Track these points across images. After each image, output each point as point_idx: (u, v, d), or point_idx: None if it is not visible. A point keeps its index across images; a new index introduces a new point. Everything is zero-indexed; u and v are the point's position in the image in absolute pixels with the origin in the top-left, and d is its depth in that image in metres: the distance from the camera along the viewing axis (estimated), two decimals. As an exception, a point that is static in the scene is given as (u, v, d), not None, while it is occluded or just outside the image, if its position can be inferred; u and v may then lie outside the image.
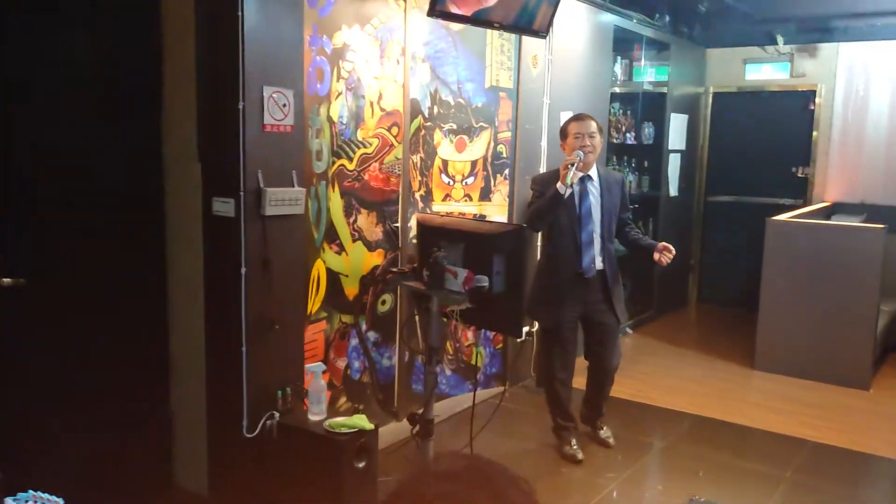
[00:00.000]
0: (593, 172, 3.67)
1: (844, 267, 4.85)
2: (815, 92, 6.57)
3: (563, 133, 3.70)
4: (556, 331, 3.67)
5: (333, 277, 3.48)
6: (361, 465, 2.80)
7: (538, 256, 3.95)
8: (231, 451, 3.02)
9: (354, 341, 3.69)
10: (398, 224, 3.82)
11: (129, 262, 3.07)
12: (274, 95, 2.89)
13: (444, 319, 2.81)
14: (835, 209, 6.46)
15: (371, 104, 3.59)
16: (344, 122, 3.45)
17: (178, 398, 3.22)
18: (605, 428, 3.91)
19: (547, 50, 4.60)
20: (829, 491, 3.44)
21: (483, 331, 4.52)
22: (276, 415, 2.98)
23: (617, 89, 6.34)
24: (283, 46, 2.93)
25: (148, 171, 3.07)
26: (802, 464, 3.69)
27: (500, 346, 4.61)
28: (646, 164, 6.42)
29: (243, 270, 2.87)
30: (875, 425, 4.27)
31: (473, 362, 3.94)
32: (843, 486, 3.51)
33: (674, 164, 6.55)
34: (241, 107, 2.78)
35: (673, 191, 6.59)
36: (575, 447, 3.70)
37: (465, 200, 4.28)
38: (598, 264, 3.63)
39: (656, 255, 3.61)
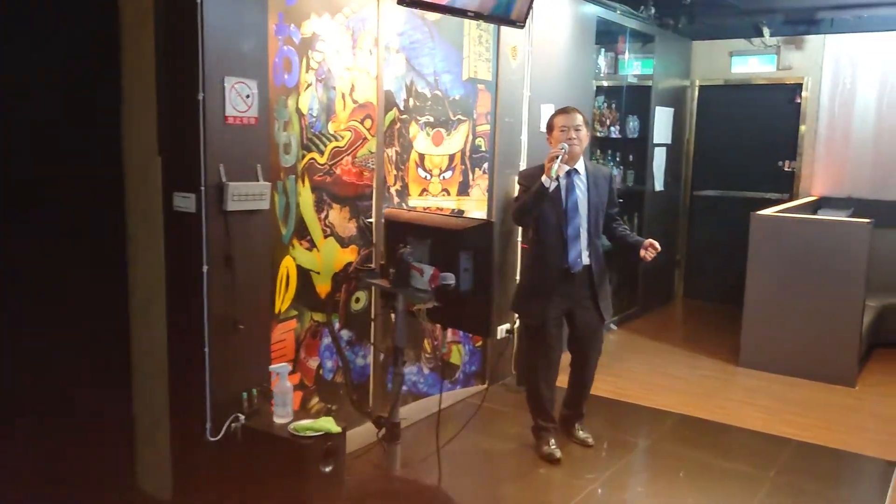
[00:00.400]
0: (580, 166, 3.59)
1: (830, 262, 4.77)
2: (801, 85, 6.49)
3: (550, 126, 3.62)
4: (542, 328, 3.59)
5: (304, 275, 3.37)
6: (328, 469, 2.70)
7: (518, 253, 3.85)
8: (195, 454, 2.91)
9: (327, 340, 3.58)
10: (372, 220, 3.71)
11: (87, 260, 2.96)
12: (236, 86, 2.78)
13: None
14: (822, 203, 6.39)
15: (343, 96, 3.48)
16: (314, 114, 3.34)
17: (140, 400, 3.11)
18: (584, 429, 3.82)
19: (527, 41, 4.50)
20: (812, 491, 3.36)
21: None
22: (241, 417, 2.88)
23: (602, 82, 6.25)
24: (246, 35, 2.82)
25: (107, 165, 2.96)
26: (786, 463, 3.61)
27: (480, 343, 4.51)
28: (631, 158, 6.33)
29: (205, 268, 2.76)
30: (860, 423, 4.20)
31: (441, 360, 3.84)
32: (827, 485, 3.44)
33: (659, 158, 6.46)
34: (200, 98, 2.67)
35: (658, 185, 6.50)
36: (553, 446, 3.62)
37: (443, 195, 4.18)
38: (585, 259, 3.56)
39: (642, 252, 3.56)
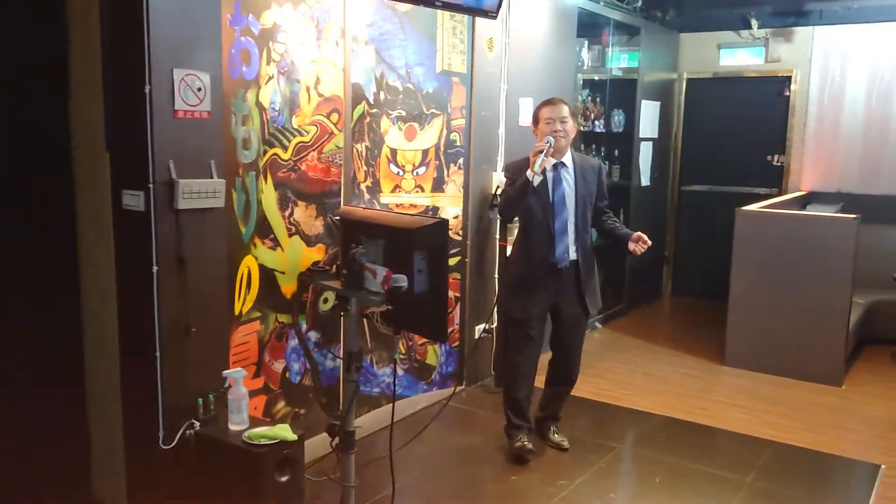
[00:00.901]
0: (567, 158, 3.51)
1: (816, 259, 4.66)
2: (790, 78, 6.38)
3: (535, 118, 3.52)
4: (525, 322, 3.52)
5: (268, 275, 3.25)
6: (284, 479, 2.59)
7: (497, 250, 3.76)
8: (148, 463, 2.80)
9: (294, 342, 3.47)
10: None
11: (38, 261, 2.84)
12: (186, 78, 2.66)
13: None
14: (811, 198, 6.29)
15: (308, 89, 3.36)
16: (276, 108, 3.22)
17: (94, 405, 2.99)
18: (559, 432, 3.73)
19: (504, 32, 4.37)
20: (790, 496, 3.25)
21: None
22: (196, 424, 2.76)
23: (586, 76, 6.13)
24: (197, 25, 2.69)
25: (57, 162, 2.84)
26: (765, 467, 3.51)
27: (457, 344, 4.40)
28: (616, 152, 6.21)
29: (155, 269, 2.64)
30: (844, 424, 4.10)
31: (395, 364, 3.74)
32: (807, 490, 3.32)
33: (645, 153, 6.35)
34: (147, 91, 2.55)
35: (645, 180, 6.39)
36: (525, 441, 3.53)
37: (417, 192, 4.06)
38: (572, 254, 3.49)
39: (631, 245, 3.45)
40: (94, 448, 3.02)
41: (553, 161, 3.42)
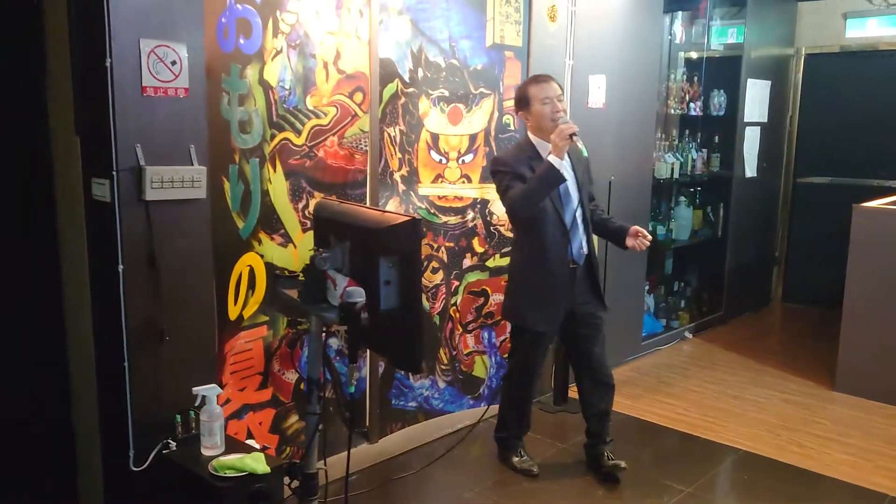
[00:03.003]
0: None
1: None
2: (933, 50, 5.39)
3: (524, 100, 3.09)
4: (548, 336, 3.18)
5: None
6: (255, 516, 2.21)
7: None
8: (122, 485, 2.50)
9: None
10: (366, 210, 3.19)
11: (17, 255, 2.60)
12: (157, 50, 2.31)
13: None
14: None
15: (325, 65, 2.96)
16: (286, 86, 2.84)
17: (79, 419, 2.73)
18: (612, 455, 3.19)
19: (569, 0, 3.81)
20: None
21: (489, 336, 3.85)
22: (173, 444, 2.44)
23: (682, 52, 5.41)
24: (171, -11, 2.34)
25: (34, 147, 2.58)
26: (874, 530, 2.81)
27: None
28: (716, 139, 5.46)
29: (120, 268, 2.32)
30: None
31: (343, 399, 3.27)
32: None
33: (751, 140, 5.55)
34: (108, 64, 2.22)
35: (750, 171, 5.59)
36: (526, 456, 3.29)
37: (463, 182, 3.59)
38: (585, 249, 3.11)
39: (629, 241, 3.10)
40: (80, 465, 2.76)
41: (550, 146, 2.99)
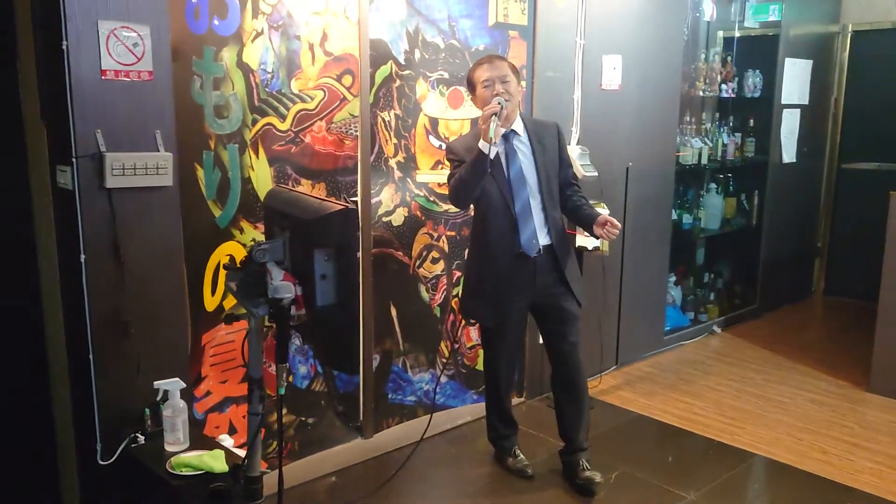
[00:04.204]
0: (517, 125, 2.91)
1: None
2: None
3: (470, 84, 2.93)
4: (499, 330, 2.98)
5: (260, 264, 2.80)
6: (214, 516, 2.13)
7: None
8: (92, 480, 2.45)
9: (298, 341, 3.01)
10: (358, 198, 3.07)
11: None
12: (118, 32, 2.22)
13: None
14: None
15: (311, 47, 2.84)
16: (269, 69, 2.73)
17: (57, 410, 2.69)
18: (589, 467, 2.96)
19: (580, -25, 3.61)
20: None
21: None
22: (141, 438, 2.37)
23: (721, 31, 5.12)
24: (131, -33, 2.25)
25: (9, 135, 2.53)
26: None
27: (515, 348, 3.74)
28: (751, 122, 5.16)
29: (83, 258, 2.26)
30: None
31: (275, 397, 3.13)
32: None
33: (790, 123, 5.23)
34: (64, 47, 2.14)
35: (788, 156, 5.28)
36: (520, 456, 3.13)
37: (465, 169, 3.43)
38: (543, 239, 2.87)
39: (597, 231, 2.86)
40: (59, 458, 2.72)
41: (503, 129, 2.81)
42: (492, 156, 2.69)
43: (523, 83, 3.52)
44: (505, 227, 2.86)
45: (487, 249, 2.91)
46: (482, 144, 2.68)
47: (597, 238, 2.94)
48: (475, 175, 2.73)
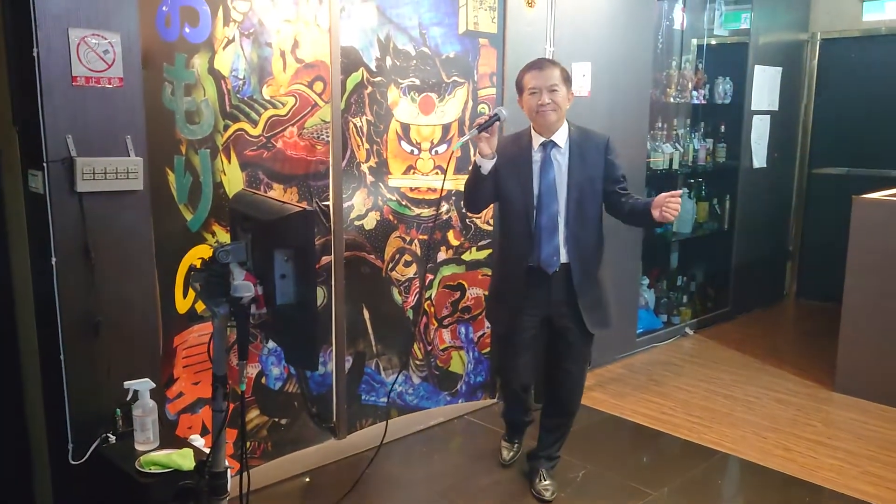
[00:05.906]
0: (560, 136, 2.81)
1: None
2: (956, 33, 5.11)
3: (519, 87, 2.85)
4: (511, 337, 2.93)
5: (232, 267, 2.84)
6: (182, 514, 2.17)
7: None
8: (64, 479, 2.49)
9: (272, 344, 3.06)
10: (329, 202, 3.13)
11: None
12: (88, 40, 2.27)
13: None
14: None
15: (282, 54, 2.90)
16: (240, 76, 2.79)
17: (30, 410, 2.72)
18: (548, 476, 3.00)
19: (549, -16, 3.69)
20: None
21: (466, 331, 3.76)
22: (112, 438, 2.41)
23: (695, 39, 5.23)
24: (101, -23, 2.30)
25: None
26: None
27: (488, 350, 3.80)
28: (722, 128, 5.26)
29: (53, 261, 2.30)
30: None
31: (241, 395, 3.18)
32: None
33: (759, 129, 5.34)
34: (35, 54, 2.19)
35: (758, 161, 5.38)
36: (510, 443, 3.25)
37: (437, 173, 3.49)
38: (563, 256, 2.79)
39: (656, 213, 2.60)
40: (34, 458, 2.75)
41: (542, 139, 2.79)
42: (485, 171, 2.68)
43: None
44: (524, 238, 2.78)
45: (505, 259, 2.91)
46: (477, 158, 2.69)
47: (660, 224, 2.75)
48: (473, 185, 2.76)
